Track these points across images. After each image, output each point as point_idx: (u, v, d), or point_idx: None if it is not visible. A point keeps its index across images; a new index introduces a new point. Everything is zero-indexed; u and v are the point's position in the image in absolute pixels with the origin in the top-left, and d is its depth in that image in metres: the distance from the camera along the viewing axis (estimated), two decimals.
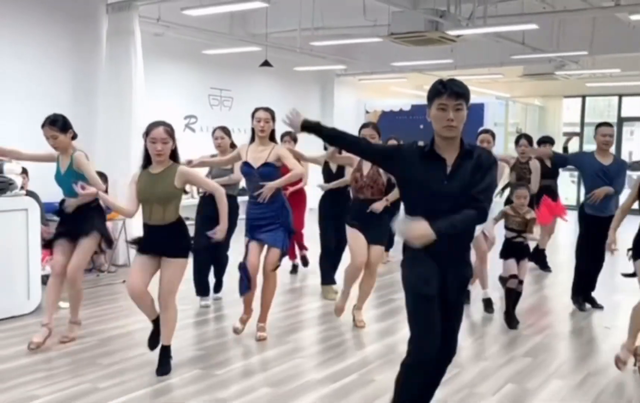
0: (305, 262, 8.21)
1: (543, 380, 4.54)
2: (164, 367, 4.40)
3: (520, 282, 5.82)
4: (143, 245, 4.43)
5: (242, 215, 5.62)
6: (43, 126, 4.96)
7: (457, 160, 3.03)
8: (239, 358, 4.87)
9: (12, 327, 5.49)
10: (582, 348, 5.37)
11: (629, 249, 4.64)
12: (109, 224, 7.85)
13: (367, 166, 5.40)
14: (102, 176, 7.92)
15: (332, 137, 3.37)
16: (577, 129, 17.20)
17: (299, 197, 7.61)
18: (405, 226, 2.90)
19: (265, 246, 5.10)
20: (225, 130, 6.47)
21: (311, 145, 5.90)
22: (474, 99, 12.85)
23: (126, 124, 8.43)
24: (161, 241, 4.32)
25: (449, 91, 2.99)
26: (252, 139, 5.22)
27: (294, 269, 8.09)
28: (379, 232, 5.46)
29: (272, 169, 5.09)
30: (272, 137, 5.21)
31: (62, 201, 5.13)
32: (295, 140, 7.46)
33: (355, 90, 17.20)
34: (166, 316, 4.38)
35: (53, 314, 5.01)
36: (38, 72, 8.11)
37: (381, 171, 5.35)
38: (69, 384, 4.22)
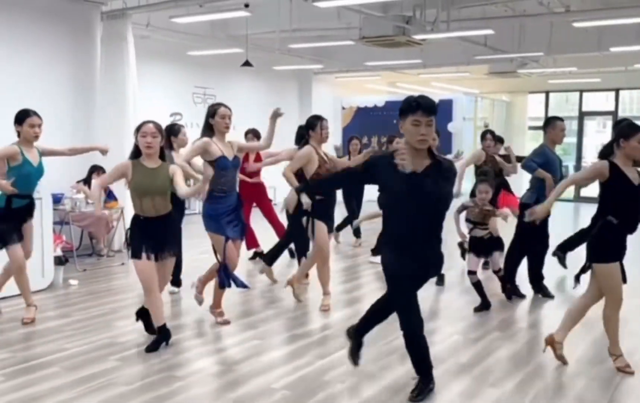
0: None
1: (484, 332, 5.50)
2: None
3: (496, 271, 6.37)
4: (143, 247, 4.71)
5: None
6: (30, 115, 5.44)
7: (426, 169, 3.55)
8: (234, 319, 5.71)
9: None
10: (519, 311, 6.30)
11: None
12: (106, 212, 8.73)
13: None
14: (101, 169, 8.82)
15: (319, 187, 3.96)
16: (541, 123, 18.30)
17: (260, 189, 8.35)
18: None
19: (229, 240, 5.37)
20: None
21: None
22: (442, 95, 14.28)
23: (121, 123, 9.17)
24: (159, 232, 4.75)
25: (422, 109, 3.48)
26: (208, 135, 5.30)
27: (255, 256, 8.42)
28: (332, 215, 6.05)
29: (240, 160, 5.55)
30: None
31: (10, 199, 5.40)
32: (257, 137, 8.19)
33: (332, 87, 18.07)
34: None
35: None
36: (38, 77, 8.64)
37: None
38: (93, 339, 5.10)
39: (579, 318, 4.73)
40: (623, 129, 4.39)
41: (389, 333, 4.87)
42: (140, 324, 5.17)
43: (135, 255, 4.75)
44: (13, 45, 8.42)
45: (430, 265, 3.88)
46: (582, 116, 17.91)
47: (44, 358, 4.64)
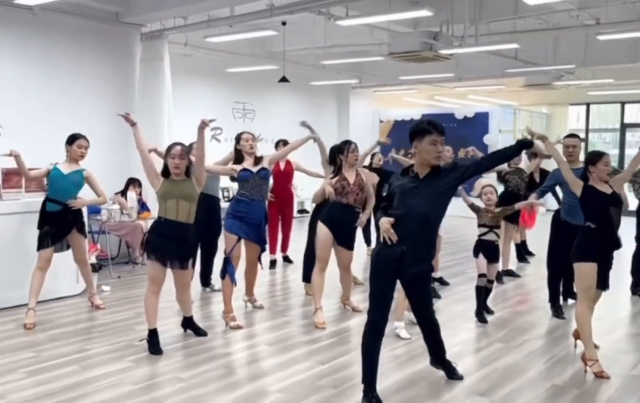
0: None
1: (487, 343, 5.65)
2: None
3: (490, 282, 6.47)
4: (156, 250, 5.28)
5: None
6: (79, 138, 6.31)
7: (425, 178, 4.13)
8: (246, 326, 6.05)
9: (65, 304, 6.81)
10: (524, 324, 6.36)
11: None
12: (141, 222, 9.22)
13: (352, 176, 6.11)
14: (137, 181, 9.33)
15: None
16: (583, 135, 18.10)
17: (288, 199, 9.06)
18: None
19: (242, 240, 6.07)
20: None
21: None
22: (479, 108, 14.56)
23: (157, 137, 9.67)
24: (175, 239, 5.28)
25: (437, 130, 4.08)
26: (238, 160, 6.17)
27: (273, 264, 9.00)
28: (350, 237, 6.22)
29: (268, 172, 6.22)
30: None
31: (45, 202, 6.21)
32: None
33: (370, 101, 18.32)
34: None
35: None
36: (80, 96, 9.15)
37: (365, 181, 6.18)
38: (113, 341, 5.52)
39: (589, 328, 4.92)
40: (590, 157, 5.03)
41: (387, 343, 5.07)
42: (162, 327, 5.55)
43: (149, 257, 5.27)
44: (57, 67, 8.97)
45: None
46: (624, 128, 17.62)
47: (64, 358, 5.05)
